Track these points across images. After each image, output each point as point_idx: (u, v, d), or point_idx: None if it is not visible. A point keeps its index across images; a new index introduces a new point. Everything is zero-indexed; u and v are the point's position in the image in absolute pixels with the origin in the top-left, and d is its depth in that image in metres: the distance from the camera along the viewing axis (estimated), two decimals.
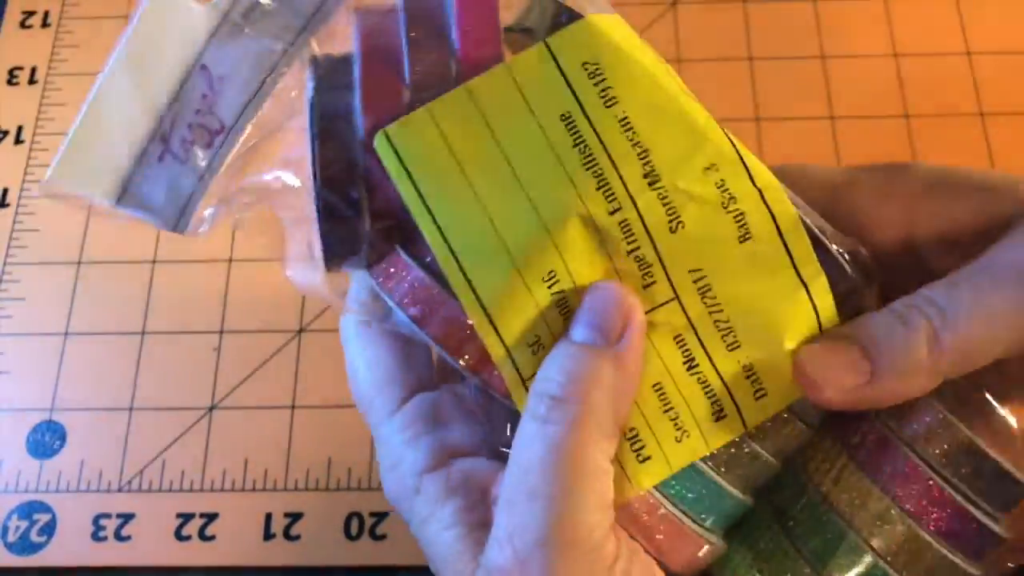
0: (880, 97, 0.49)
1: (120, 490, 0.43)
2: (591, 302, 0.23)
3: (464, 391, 0.27)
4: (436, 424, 0.26)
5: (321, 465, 0.43)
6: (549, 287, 0.24)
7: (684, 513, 0.24)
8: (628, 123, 0.24)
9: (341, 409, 0.44)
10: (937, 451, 0.24)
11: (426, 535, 0.25)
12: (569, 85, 0.24)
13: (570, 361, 0.23)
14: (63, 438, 0.44)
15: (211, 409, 0.44)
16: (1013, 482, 0.24)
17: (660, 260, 0.24)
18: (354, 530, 0.42)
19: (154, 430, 0.44)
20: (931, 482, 0.24)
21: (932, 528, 0.24)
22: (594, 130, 0.24)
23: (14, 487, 0.43)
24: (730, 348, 0.24)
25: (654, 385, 0.24)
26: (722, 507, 0.25)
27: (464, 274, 0.24)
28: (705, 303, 0.24)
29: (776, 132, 0.49)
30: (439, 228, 0.24)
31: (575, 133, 0.24)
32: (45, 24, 0.53)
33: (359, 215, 0.25)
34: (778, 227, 0.24)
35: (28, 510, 0.42)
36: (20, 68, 0.52)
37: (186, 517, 0.42)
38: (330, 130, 0.25)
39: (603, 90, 0.24)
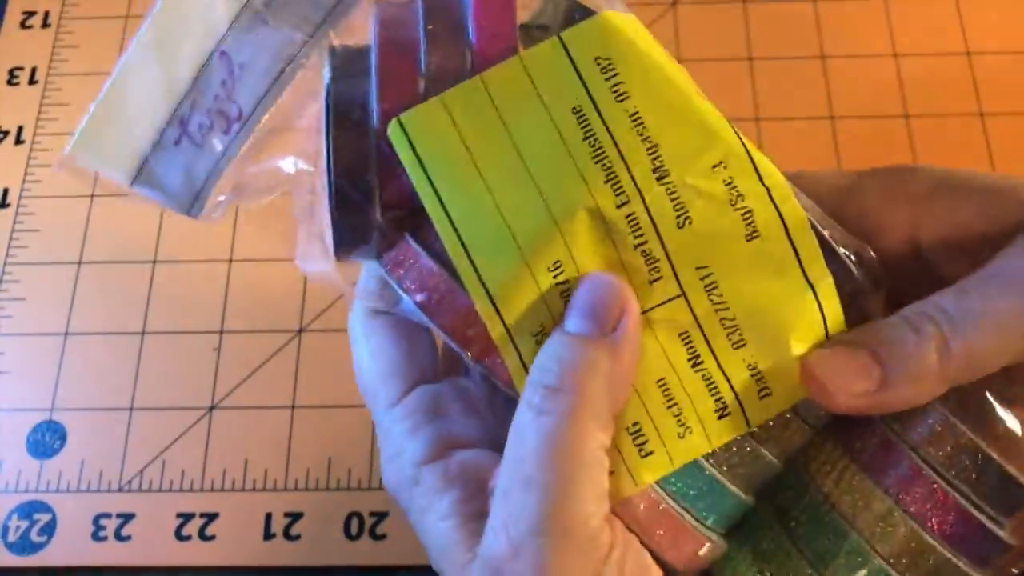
0: (880, 97, 0.49)
1: (120, 490, 0.43)
2: (585, 292, 0.24)
3: (467, 384, 0.28)
4: (437, 416, 0.26)
5: (321, 465, 0.43)
6: (554, 277, 0.24)
7: (685, 510, 0.24)
8: (638, 118, 0.24)
9: (341, 409, 0.44)
10: (941, 454, 0.24)
11: (424, 525, 0.25)
12: (581, 79, 0.24)
13: (565, 351, 0.23)
14: (63, 438, 0.44)
15: (211, 409, 0.44)
16: (1017, 486, 0.24)
17: (667, 255, 0.24)
18: (354, 530, 0.42)
19: (154, 430, 0.44)
20: (935, 485, 0.24)
21: (936, 531, 0.24)
22: (604, 124, 0.24)
23: (14, 487, 0.43)
24: (735, 346, 0.24)
25: (658, 381, 0.24)
26: (723, 505, 0.25)
27: (471, 261, 0.24)
28: (711, 300, 0.24)
29: (776, 132, 0.49)
30: (449, 216, 0.24)
31: (586, 126, 0.24)
32: (45, 24, 0.54)
33: (371, 204, 0.25)
34: (786, 227, 0.24)
35: (28, 510, 0.43)
36: (20, 68, 0.52)
37: (186, 517, 0.42)
38: (346, 119, 0.25)
39: (615, 85, 0.24)
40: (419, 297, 0.25)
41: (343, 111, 0.25)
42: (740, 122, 0.48)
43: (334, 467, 0.43)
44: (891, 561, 0.24)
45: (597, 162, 0.24)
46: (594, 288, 0.24)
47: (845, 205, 0.26)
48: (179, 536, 0.42)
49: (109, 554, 0.42)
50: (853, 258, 0.25)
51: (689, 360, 0.24)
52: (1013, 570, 0.25)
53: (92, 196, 0.49)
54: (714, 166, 0.24)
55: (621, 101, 0.24)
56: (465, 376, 0.28)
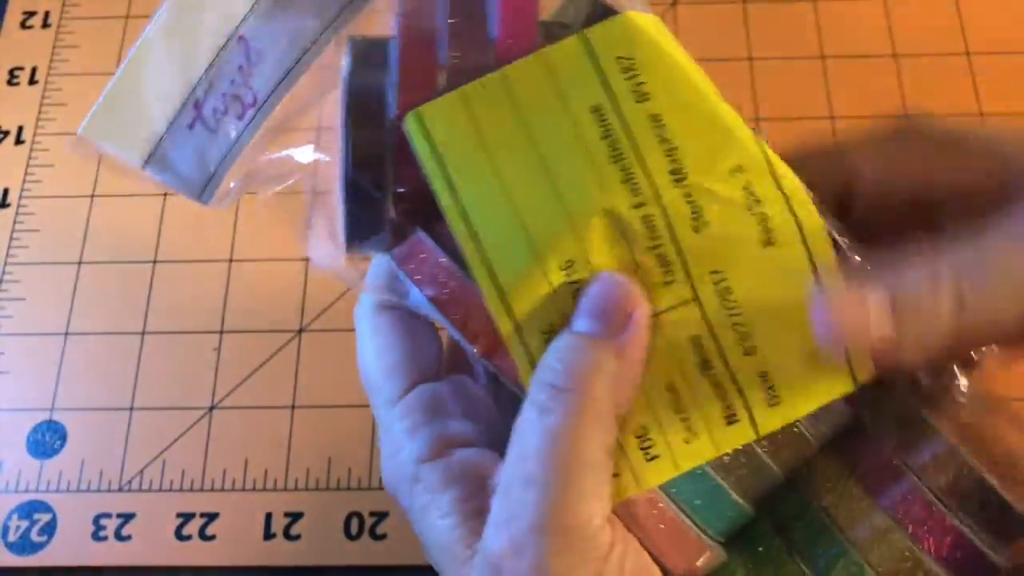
0: (880, 97, 0.49)
1: (120, 490, 0.43)
2: (595, 292, 0.24)
3: (468, 382, 0.28)
4: (438, 414, 0.26)
5: (321, 465, 0.43)
6: (566, 275, 0.24)
7: (687, 516, 0.24)
8: (659, 119, 0.24)
9: (341, 409, 0.44)
10: (943, 480, 0.24)
11: (424, 523, 0.25)
12: (603, 78, 0.24)
13: (571, 350, 0.23)
14: (63, 438, 0.44)
15: (211, 409, 0.44)
16: (1017, 516, 0.24)
17: (681, 259, 0.24)
18: (354, 530, 0.42)
19: (154, 430, 0.44)
20: (934, 508, 0.24)
21: (932, 553, 0.24)
22: (624, 124, 0.24)
23: (14, 487, 0.43)
24: (746, 353, 0.24)
25: (667, 385, 0.24)
26: (725, 514, 0.25)
27: (484, 256, 0.24)
28: (724, 305, 0.24)
29: (776, 132, 0.49)
30: (463, 211, 0.24)
31: (605, 125, 0.24)
32: (46, 24, 0.54)
33: (385, 196, 0.25)
34: (802, 233, 0.24)
35: (28, 510, 0.43)
36: (20, 68, 0.52)
37: (186, 517, 0.42)
38: (363, 110, 0.25)
39: (636, 85, 0.24)
40: (430, 291, 0.25)
41: (360, 102, 0.25)
42: None
43: (334, 467, 0.43)
44: None
45: (615, 162, 0.24)
46: (604, 288, 0.24)
47: (848, 163, 0.26)
48: (179, 536, 0.42)
49: (109, 554, 0.42)
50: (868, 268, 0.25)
51: (699, 365, 0.24)
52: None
53: (92, 196, 0.49)
54: (732, 170, 0.24)
55: (642, 102, 0.24)
56: (467, 374, 0.28)
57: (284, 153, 0.27)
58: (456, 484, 0.25)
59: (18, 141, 0.51)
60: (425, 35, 0.25)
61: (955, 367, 0.25)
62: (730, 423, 0.24)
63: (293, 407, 0.44)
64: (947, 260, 0.23)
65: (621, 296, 0.23)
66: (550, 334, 0.24)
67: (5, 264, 0.48)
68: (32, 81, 0.52)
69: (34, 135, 0.51)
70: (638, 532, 0.24)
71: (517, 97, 0.24)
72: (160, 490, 0.43)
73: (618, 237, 0.24)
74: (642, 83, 0.24)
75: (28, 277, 0.47)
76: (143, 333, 0.46)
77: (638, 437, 0.24)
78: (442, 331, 0.28)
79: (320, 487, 0.43)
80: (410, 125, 0.24)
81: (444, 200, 0.24)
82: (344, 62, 0.26)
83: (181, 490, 0.43)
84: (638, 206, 0.24)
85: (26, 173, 0.50)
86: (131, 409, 0.44)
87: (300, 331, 0.46)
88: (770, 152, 0.24)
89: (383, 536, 0.41)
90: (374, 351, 0.27)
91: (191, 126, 0.26)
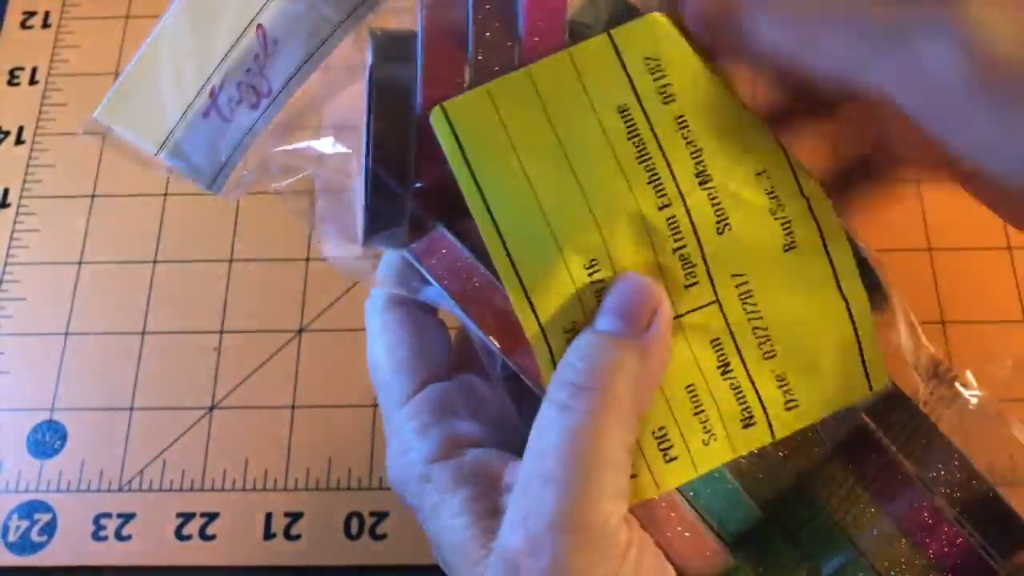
0: None
1: (120, 490, 0.43)
2: (619, 292, 0.24)
3: (477, 381, 0.27)
4: (447, 414, 0.26)
5: (321, 465, 0.43)
6: (590, 274, 0.24)
7: (702, 517, 0.24)
8: (684, 121, 0.24)
9: (341, 409, 0.44)
10: (950, 488, 0.24)
11: (435, 523, 0.25)
12: (629, 77, 0.24)
13: (593, 349, 0.23)
14: (64, 438, 0.44)
15: (211, 409, 0.44)
16: (1022, 527, 0.24)
17: (704, 261, 0.24)
18: (354, 530, 0.42)
19: (154, 430, 0.44)
20: (942, 516, 0.24)
21: (937, 561, 0.24)
22: (650, 124, 0.24)
23: (15, 487, 0.43)
24: (766, 356, 0.24)
25: (687, 386, 0.24)
26: (738, 515, 0.25)
27: (508, 253, 0.24)
28: (745, 309, 0.24)
29: None
30: (488, 207, 0.24)
31: (630, 125, 0.24)
32: (46, 24, 0.54)
33: (406, 190, 0.25)
34: (823, 239, 0.24)
35: (29, 510, 0.43)
36: (21, 68, 0.52)
37: (186, 517, 0.42)
38: (386, 104, 0.25)
39: (662, 86, 0.24)
40: (451, 287, 0.25)
41: (384, 96, 0.25)
42: None
43: (334, 467, 0.43)
44: None
45: (640, 162, 0.24)
46: (628, 288, 0.24)
47: None
48: (179, 536, 0.42)
49: (109, 554, 0.42)
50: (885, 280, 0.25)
51: (719, 367, 0.24)
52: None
53: (92, 196, 0.49)
54: (757, 174, 0.24)
55: (668, 103, 0.24)
56: (475, 372, 0.28)
57: (296, 145, 0.26)
58: (467, 484, 0.25)
59: (18, 141, 0.51)
60: (451, 29, 0.25)
61: (961, 377, 0.25)
62: (747, 426, 0.24)
63: (293, 407, 0.44)
64: None
65: (645, 296, 0.23)
66: (572, 332, 0.24)
67: (5, 264, 0.48)
68: (32, 81, 0.52)
69: (34, 135, 0.51)
70: (654, 532, 0.24)
71: (543, 94, 0.24)
72: (160, 490, 0.43)
73: (643, 237, 0.24)
74: (668, 84, 0.24)
75: (28, 277, 0.47)
76: (143, 333, 0.46)
77: (657, 438, 0.24)
78: (450, 328, 0.28)
79: (320, 487, 0.43)
80: (436, 120, 0.24)
81: (469, 196, 0.24)
82: (368, 55, 0.26)
83: (181, 490, 0.43)
84: (663, 207, 0.24)
85: (26, 173, 0.50)
86: (131, 409, 0.44)
87: (300, 331, 0.46)
88: (793, 156, 0.24)
89: (383, 536, 0.41)
90: (384, 347, 0.27)
91: (206, 114, 0.26)
